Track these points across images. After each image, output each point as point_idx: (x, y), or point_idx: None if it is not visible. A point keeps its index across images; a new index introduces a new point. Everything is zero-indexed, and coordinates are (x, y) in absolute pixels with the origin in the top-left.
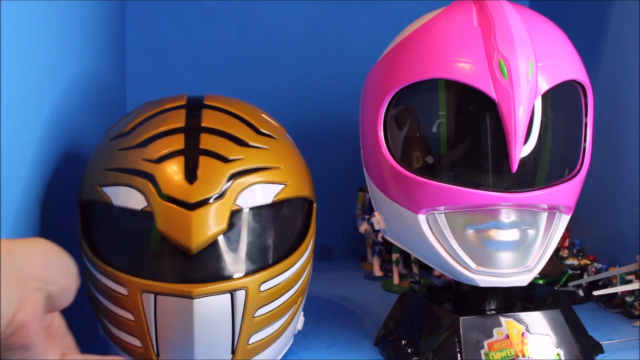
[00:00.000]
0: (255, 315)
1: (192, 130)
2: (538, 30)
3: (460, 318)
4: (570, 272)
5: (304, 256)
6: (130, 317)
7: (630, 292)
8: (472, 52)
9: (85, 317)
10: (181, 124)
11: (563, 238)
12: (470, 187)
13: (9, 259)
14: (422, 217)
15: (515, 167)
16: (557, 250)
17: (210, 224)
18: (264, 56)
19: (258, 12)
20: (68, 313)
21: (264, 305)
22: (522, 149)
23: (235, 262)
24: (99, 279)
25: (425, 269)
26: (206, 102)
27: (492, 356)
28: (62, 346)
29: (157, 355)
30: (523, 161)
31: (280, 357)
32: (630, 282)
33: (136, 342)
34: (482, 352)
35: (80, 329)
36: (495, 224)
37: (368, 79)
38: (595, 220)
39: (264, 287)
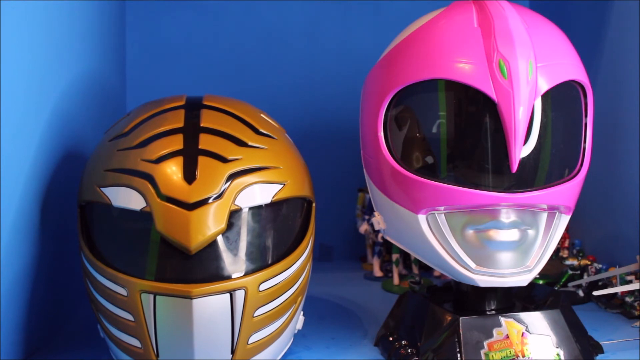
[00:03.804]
0: (255, 315)
1: (191, 131)
2: (538, 31)
3: (460, 318)
4: (570, 272)
5: (303, 256)
6: (130, 317)
7: (630, 292)
8: (472, 53)
9: (85, 318)
10: (180, 124)
11: (563, 238)
12: (470, 187)
13: None
14: (422, 217)
15: (515, 167)
16: (557, 251)
17: (209, 224)
18: (263, 56)
19: (258, 12)
20: (69, 314)
21: (264, 305)
22: (522, 149)
23: (234, 262)
24: (98, 280)
25: (425, 269)
26: (205, 103)
27: (492, 356)
28: None
29: (157, 355)
30: (523, 161)
31: (280, 357)
32: (630, 282)
33: (136, 343)
34: (482, 352)
35: (81, 330)
36: (495, 224)
37: (368, 79)
38: (595, 220)
39: (263, 286)
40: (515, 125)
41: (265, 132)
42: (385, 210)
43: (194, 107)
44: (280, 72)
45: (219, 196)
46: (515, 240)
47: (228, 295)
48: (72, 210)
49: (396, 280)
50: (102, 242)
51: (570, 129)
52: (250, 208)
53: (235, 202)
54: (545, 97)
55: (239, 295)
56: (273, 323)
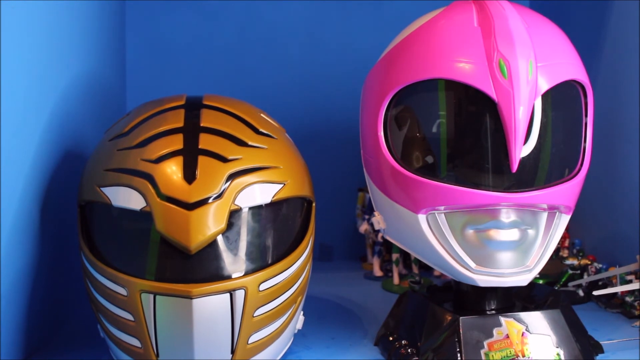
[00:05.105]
0: (255, 315)
1: (191, 130)
2: (538, 31)
3: (460, 318)
4: (570, 272)
5: (303, 255)
6: (130, 317)
7: (630, 292)
8: (472, 52)
9: (85, 318)
10: (180, 124)
11: (563, 238)
12: (470, 187)
13: None
14: (422, 217)
15: (515, 167)
16: (557, 250)
17: (209, 223)
18: (263, 56)
19: (258, 12)
20: (69, 314)
21: (264, 305)
22: (522, 149)
23: (234, 261)
24: (98, 280)
25: (425, 269)
26: (205, 102)
27: (492, 356)
28: None
29: (157, 355)
30: (523, 161)
31: (280, 356)
32: (630, 282)
33: (136, 343)
34: (482, 352)
35: (81, 330)
36: (495, 224)
37: (368, 79)
38: (595, 220)
39: (263, 286)
40: (515, 125)
41: (265, 132)
42: (385, 210)
43: (194, 107)
44: (281, 71)
45: (219, 196)
46: (515, 240)
47: (228, 295)
48: (72, 210)
49: (396, 280)
50: (102, 242)
51: (571, 128)
52: (250, 208)
53: (235, 202)
54: (546, 96)
55: (239, 295)
56: (273, 323)
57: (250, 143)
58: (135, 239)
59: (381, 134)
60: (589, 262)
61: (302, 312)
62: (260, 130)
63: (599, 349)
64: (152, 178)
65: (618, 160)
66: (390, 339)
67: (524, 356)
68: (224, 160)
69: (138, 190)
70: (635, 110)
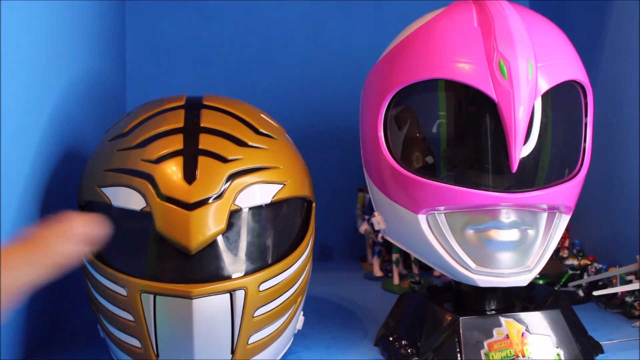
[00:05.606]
0: (255, 315)
1: (191, 131)
2: (538, 31)
3: (460, 318)
4: (570, 272)
5: (303, 256)
6: (130, 317)
7: (630, 292)
8: (472, 53)
9: (85, 318)
10: (180, 124)
11: (563, 238)
12: (470, 187)
13: None
14: (422, 217)
15: (515, 167)
16: (557, 250)
17: (209, 224)
18: (264, 56)
19: (258, 12)
20: (69, 314)
21: (264, 305)
22: (522, 149)
23: (234, 262)
24: (98, 280)
25: (425, 269)
26: (205, 102)
27: (492, 356)
28: None
29: (157, 355)
30: (523, 161)
31: (280, 357)
32: (630, 282)
33: (136, 343)
34: (482, 352)
35: (81, 330)
36: (495, 224)
37: (368, 79)
38: (595, 220)
39: (263, 286)
40: (515, 125)
41: (265, 132)
42: (385, 210)
43: (194, 107)
44: (281, 71)
45: (219, 196)
46: (515, 240)
47: (228, 295)
48: (72, 210)
49: (396, 280)
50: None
51: (570, 128)
52: (250, 208)
53: (235, 202)
54: (545, 97)
55: (239, 295)
56: (273, 323)
57: (250, 143)
58: (135, 239)
59: (381, 134)
60: (589, 262)
61: (302, 312)
62: (260, 130)
63: (599, 349)
64: (152, 178)
65: (618, 160)
66: (390, 339)
67: (524, 356)
68: (224, 160)
69: (138, 190)
70: (635, 110)
